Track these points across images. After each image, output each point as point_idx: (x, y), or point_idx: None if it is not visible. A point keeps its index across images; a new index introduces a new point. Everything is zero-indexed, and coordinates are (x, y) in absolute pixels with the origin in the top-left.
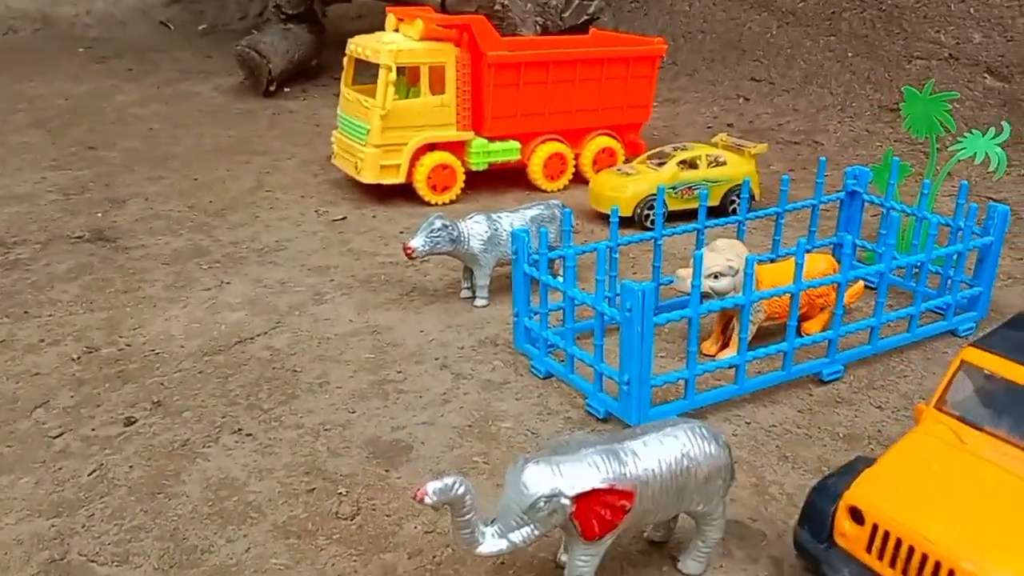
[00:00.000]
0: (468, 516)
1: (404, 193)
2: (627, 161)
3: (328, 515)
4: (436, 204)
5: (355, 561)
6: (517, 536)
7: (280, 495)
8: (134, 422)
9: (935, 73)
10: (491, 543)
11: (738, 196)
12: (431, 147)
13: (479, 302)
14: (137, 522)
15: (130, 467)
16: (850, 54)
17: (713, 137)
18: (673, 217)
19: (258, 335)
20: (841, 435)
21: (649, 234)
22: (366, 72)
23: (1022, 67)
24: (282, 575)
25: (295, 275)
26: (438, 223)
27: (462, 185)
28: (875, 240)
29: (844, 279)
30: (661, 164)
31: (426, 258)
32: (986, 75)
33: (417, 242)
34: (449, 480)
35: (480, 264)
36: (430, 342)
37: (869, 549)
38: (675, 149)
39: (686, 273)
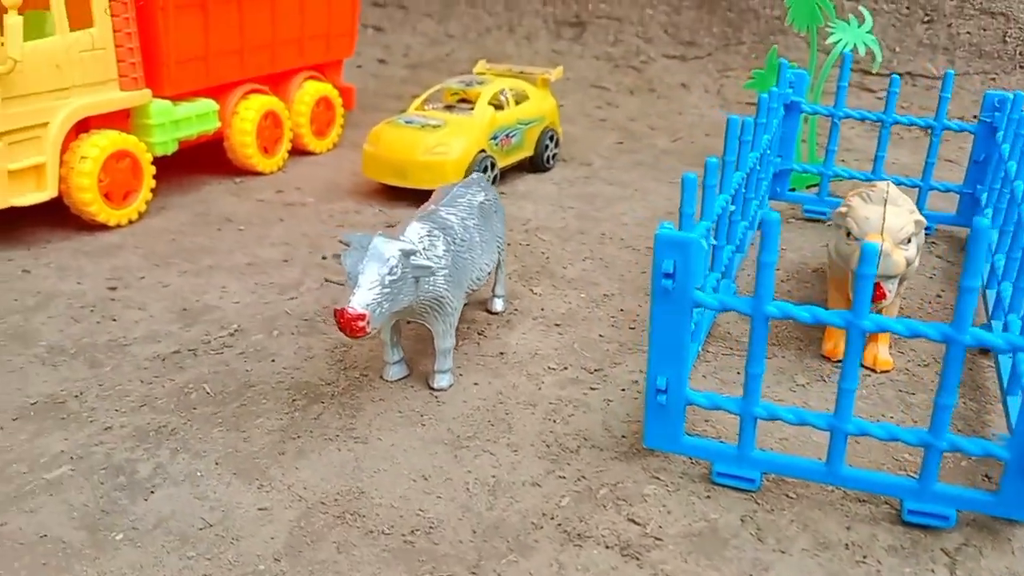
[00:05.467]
0: None
1: (30, 215)
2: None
3: None
4: (117, 226)
5: None
6: None
7: None
8: None
9: None
10: None
11: (551, 140)
12: (82, 127)
13: (442, 380)
14: None
15: None
16: None
17: (475, 67)
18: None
19: None
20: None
21: None
22: None
23: None
24: None
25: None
26: (391, 249)
27: (152, 186)
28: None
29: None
30: (451, 108)
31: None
32: None
33: (366, 299)
34: None
35: (445, 311)
36: (473, 492)
37: None
38: (462, 85)
39: (884, 242)
